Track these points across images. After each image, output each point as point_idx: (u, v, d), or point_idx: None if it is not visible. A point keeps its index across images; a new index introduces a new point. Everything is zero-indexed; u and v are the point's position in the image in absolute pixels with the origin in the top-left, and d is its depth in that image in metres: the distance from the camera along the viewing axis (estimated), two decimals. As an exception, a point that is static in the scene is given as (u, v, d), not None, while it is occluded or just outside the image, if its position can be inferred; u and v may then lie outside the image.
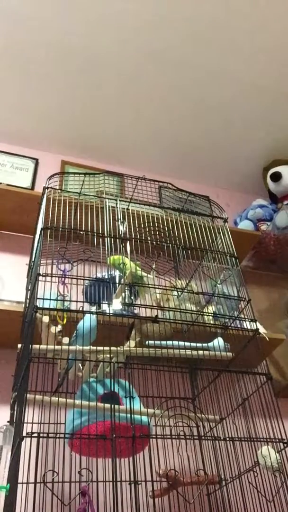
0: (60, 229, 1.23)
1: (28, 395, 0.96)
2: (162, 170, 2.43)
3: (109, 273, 1.33)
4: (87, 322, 1.14)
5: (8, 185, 1.96)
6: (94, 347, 1.13)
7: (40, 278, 1.10)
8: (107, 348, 1.13)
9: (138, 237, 1.33)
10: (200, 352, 1.21)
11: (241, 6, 1.83)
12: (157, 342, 1.19)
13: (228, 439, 1.13)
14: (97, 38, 1.92)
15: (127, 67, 2.04)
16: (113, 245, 1.26)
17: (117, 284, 1.32)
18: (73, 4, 1.80)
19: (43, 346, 1.11)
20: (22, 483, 0.84)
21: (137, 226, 1.37)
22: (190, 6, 1.82)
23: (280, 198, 2.42)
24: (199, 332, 1.26)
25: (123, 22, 1.87)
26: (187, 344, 1.22)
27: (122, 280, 1.28)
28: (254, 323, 1.18)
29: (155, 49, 1.97)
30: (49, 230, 1.20)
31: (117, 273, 1.41)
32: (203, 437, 1.24)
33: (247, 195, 2.62)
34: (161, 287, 1.40)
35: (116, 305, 1.30)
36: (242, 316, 1.22)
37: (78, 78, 2.07)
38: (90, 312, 1.18)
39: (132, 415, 1.01)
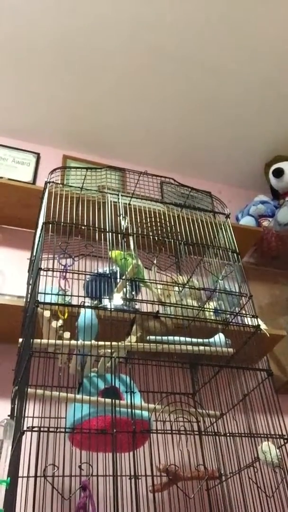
0: (62, 223, 1.22)
1: (28, 389, 0.96)
2: (164, 166, 2.42)
3: (111, 268, 1.33)
4: (82, 317, 1.14)
5: (9, 179, 1.95)
6: (95, 342, 1.13)
7: (42, 272, 1.09)
8: (108, 343, 1.13)
9: (139, 232, 1.32)
10: (201, 347, 1.21)
11: (242, 2, 1.82)
12: (158, 338, 1.19)
13: (228, 434, 1.13)
14: (100, 33, 1.91)
15: (129, 63, 2.03)
16: (114, 240, 1.26)
17: (118, 279, 1.32)
18: (75, 1, 1.79)
19: (44, 341, 1.11)
20: (23, 477, 0.84)
21: (138, 221, 1.36)
22: (191, 3, 1.81)
23: (282, 194, 2.41)
24: (200, 328, 1.26)
25: (125, 18, 1.86)
26: (188, 339, 1.22)
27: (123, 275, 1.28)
28: (255, 319, 1.18)
29: (158, 45, 1.96)
30: (50, 225, 1.20)
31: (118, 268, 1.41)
32: (203, 433, 1.24)
33: (249, 191, 2.61)
34: (162, 282, 1.39)
35: (117, 300, 1.30)
36: (243, 312, 1.22)
37: (80, 73, 2.06)
38: (91, 307, 1.18)
39: (133, 410, 1.01)
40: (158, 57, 2.01)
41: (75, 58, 2.00)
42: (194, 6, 1.83)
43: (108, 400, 1.06)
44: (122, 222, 1.31)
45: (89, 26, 1.89)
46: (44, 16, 1.85)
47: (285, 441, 1.03)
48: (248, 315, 1.20)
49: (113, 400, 1.04)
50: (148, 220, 1.41)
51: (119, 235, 1.27)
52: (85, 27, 1.89)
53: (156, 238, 1.34)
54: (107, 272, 1.29)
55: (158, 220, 1.44)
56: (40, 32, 1.90)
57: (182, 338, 1.21)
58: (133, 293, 1.40)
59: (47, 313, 1.14)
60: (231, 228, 1.39)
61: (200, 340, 1.22)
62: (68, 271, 1.22)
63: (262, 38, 1.96)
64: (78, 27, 1.89)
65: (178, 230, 1.38)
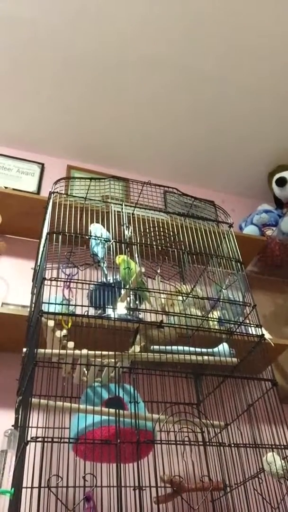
0: (66, 233, 1.23)
1: (33, 399, 0.96)
2: (167, 175, 2.43)
3: (114, 277, 1.33)
4: None
5: (14, 189, 1.96)
6: (99, 352, 1.13)
7: (46, 282, 1.10)
8: (112, 352, 1.13)
9: (143, 242, 1.33)
10: (205, 357, 1.20)
11: (242, 10, 1.84)
12: (162, 347, 1.19)
13: (233, 445, 1.12)
14: (102, 46, 1.93)
15: (132, 73, 2.04)
16: (118, 249, 1.26)
17: (122, 289, 1.32)
18: (84, 12, 1.81)
19: (48, 351, 1.11)
20: (27, 487, 0.84)
21: (142, 231, 1.37)
22: (192, 11, 1.83)
23: (285, 203, 2.42)
24: (204, 337, 1.26)
25: (127, 29, 1.88)
26: (192, 349, 1.21)
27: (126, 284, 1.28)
28: (259, 329, 1.18)
29: (160, 55, 1.98)
30: (54, 235, 1.21)
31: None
32: (208, 443, 1.24)
33: (252, 200, 2.62)
34: (166, 292, 1.39)
35: (121, 309, 1.30)
36: (247, 321, 1.22)
37: (84, 85, 2.08)
38: (95, 317, 1.18)
39: (137, 420, 1.00)
40: (160, 68, 2.03)
41: (81, 71, 2.03)
42: (195, 17, 1.85)
43: (112, 410, 1.05)
44: (126, 232, 1.32)
45: (92, 40, 1.91)
46: (51, 28, 1.87)
47: (290, 451, 1.02)
48: (252, 325, 1.20)
49: (117, 410, 1.03)
50: (152, 230, 1.42)
51: (123, 244, 1.28)
52: (89, 41, 1.91)
53: (159, 247, 1.34)
54: (111, 281, 1.29)
55: (161, 230, 1.45)
56: (45, 44, 1.92)
57: (186, 348, 1.21)
58: (137, 302, 1.41)
59: (51, 323, 1.14)
60: (234, 237, 1.39)
61: (204, 350, 1.22)
62: (72, 280, 1.23)
63: (263, 50, 1.98)
64: (82, 41, 1.91)
65: (182, 240, 1.38)
